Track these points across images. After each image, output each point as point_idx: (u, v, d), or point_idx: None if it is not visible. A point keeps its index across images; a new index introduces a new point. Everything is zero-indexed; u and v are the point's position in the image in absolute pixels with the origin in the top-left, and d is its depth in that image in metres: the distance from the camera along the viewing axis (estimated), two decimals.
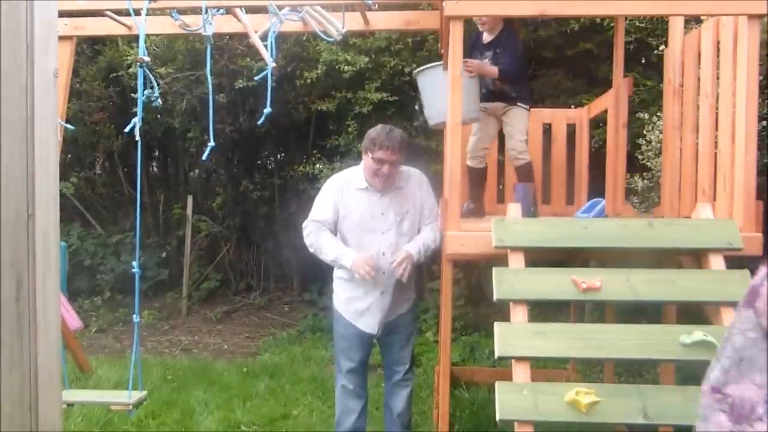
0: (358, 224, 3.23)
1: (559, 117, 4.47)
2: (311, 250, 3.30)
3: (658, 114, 4.17)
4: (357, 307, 3.29)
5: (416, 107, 4.28)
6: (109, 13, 3.66)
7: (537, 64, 5.69)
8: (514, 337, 2.43)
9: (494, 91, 3.72)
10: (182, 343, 6.12)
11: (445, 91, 3.37)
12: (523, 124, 3.74)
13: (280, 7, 3.33)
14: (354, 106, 5.90)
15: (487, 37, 3.74)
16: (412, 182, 3.32)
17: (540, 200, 4.09)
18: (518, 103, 3.71)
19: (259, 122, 3.35)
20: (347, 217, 3.24)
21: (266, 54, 3.22)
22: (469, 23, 3.76)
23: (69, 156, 7.44)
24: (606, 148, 4.09)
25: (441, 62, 3.53)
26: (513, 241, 2.69)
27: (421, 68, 3.69)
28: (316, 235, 3.25)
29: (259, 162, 7.54)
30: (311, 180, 6.13)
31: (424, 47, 5.69)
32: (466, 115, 3.40)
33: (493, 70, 3.60)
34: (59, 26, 2.43)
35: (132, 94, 5.86)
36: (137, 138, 3.06)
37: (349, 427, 3.35)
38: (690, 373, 3.94)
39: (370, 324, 3.28)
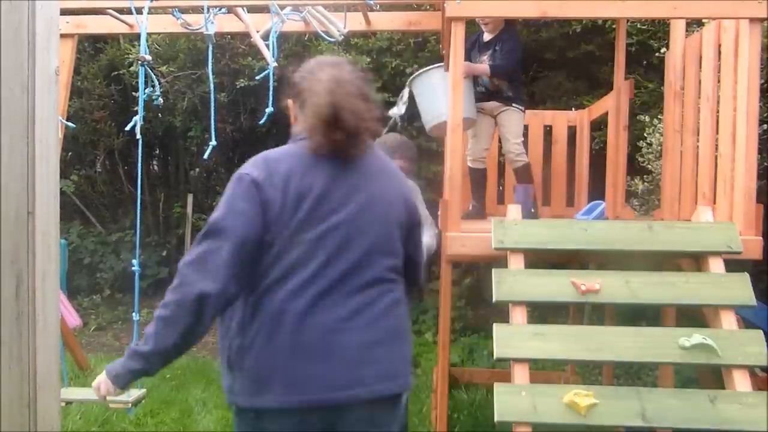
0: None
1: (559, 119, 4.47)
2: None
3: (658, 117, 4.17)
4: None
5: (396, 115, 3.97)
6: (110, 11, 3.66)
7: (538, 66, 5.69)
8: (513, 338, 2.43)
9: (491, 91, 3.73)
10: None
11: (441, 92, 3.40)
12: (518, 126, 3.75)
13: (282, 7, 3.33)
14: None
15: (487, 36, 3.76)
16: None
17: (540, 202, 4.09)
18: (513, 104, 3.72)
19: (260, 122, 3.35)
20: None
21: (268, 53, 3.22)
22: (470, 24, 3.76)
23: (69, 154, 7.43)
24: (606, 151, 4.10)
25: (432, 66, 3.54)
26: (512, 243, 2.69)
27: (414, 75, 3.67)
28: None
29: None
30: None
31: (426, 48, 5.69)
32: (445, 116, 3.43)
33: (484, 68, 3.60)
34: (61, 24, 2.43)
35: (133, 93, 5.86)
36: (138, 136, 3.06)
37: None
38: (689, 376, 3.95)
39: None
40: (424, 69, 3.60)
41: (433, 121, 3.58)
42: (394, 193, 1.83)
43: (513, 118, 3.73)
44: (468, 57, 3.78)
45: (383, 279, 1.75)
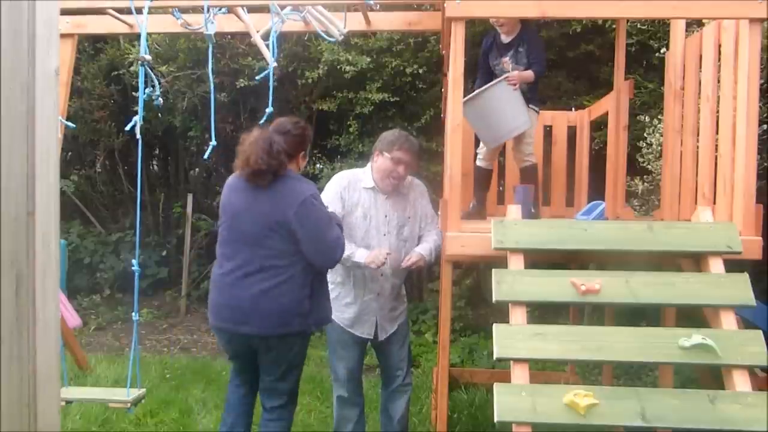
0: (361, 223, 3.22)
1: (560, 119, 4.47)
2: None
3: (658, 117, 4.17)
4: (351, 313, 3.27)
5: None
6: (110, 11, 3.67)
7: None
8: (513, 338, 2.43)
9: None
10: (181, 342, 6.12)
11: (512, 105, 3.50)
12: (532, 127, 3.74)
13: (282, 7, 3.33)
14: (355, 107, 5.90)
15: (506, 38, 3.70)
16: (415, 191, 3.35)
17: (540, 202, 4.09)
18: (530, 105, 3.70)
19: (260, 122, 3.35)
20: (352, 214, 3.23)
21: (268, 53, 3.22)
22: (471, 24, 3.75)
23: (69, 154, 7.44)
24: (606, 151, 4.10)
25: (482, 89, 3.51)
26: (512, 243, 2.69)
27: (472, 95, 3.56)
28: None
29: None
30: (311, 180, 6.12)
31: (426, 48, 5.69)
32: (522, 125, 3.60)
33: (530, 75, 3.58)
34: (61, 24, 2.43)
35: (133, 93, 5.87)
36: (138, 136, 3.06)
37: None
38: (689, 376, 3.95)
39: (365, 329, 3.26)
40: (483, 88, 3.55)
41: (512, 133, 3.64)
42: (279, 210, 2.75)
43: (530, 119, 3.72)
44: (485, 59, 3.77)
45: (267, 267, 2.76)
